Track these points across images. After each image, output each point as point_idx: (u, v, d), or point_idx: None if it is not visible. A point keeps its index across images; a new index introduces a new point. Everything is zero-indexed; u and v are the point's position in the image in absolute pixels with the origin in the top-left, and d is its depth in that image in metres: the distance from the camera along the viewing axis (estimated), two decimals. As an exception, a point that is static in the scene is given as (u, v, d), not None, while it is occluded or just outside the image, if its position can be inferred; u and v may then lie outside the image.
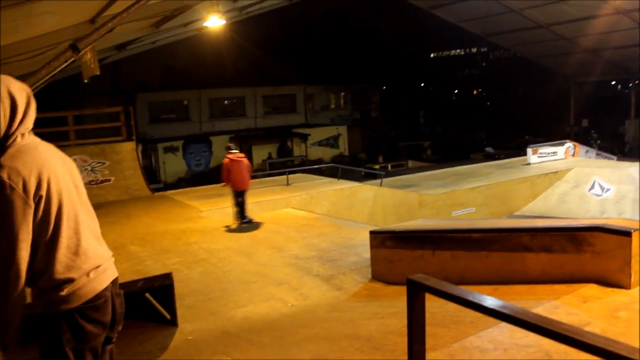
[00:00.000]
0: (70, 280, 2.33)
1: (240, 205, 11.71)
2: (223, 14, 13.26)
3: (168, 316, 6.03)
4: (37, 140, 2.40)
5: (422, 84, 56.15)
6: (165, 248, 9.63)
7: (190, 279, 7.65)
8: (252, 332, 5.52)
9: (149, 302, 6.40)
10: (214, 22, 13.00)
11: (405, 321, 4.47)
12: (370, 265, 7.21)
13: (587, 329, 4.01)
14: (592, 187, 20.03)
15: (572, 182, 20.31)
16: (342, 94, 44.88)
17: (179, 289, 6.27)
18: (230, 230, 11.12)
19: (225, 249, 9.39)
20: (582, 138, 32.78)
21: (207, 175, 32.40)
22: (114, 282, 2.56)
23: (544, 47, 35.81)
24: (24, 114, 2.35)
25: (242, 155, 12.33)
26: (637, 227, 4.65)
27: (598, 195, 19.75)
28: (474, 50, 60.95)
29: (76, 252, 2.35)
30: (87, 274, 2.38)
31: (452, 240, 5.96)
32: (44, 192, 2.24)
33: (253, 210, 13.78)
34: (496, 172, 21.78)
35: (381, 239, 6.96)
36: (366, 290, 6.79)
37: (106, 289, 2.46)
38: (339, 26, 45.82)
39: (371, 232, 7.16)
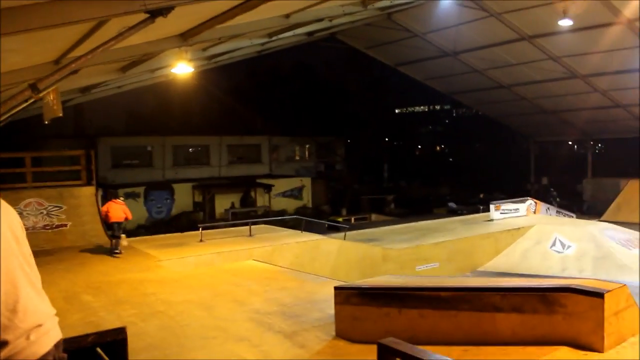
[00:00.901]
0: (4, 344, 2.00)
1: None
2: (191, 61, 13.19)
3: (119, 373, 5.67)
4: None
5: (387, 139, 56.88)
6: (120, 299, 9.21)
7: (146, 333, 7.26)
8: (209, 392, 5.20)
9: (99, 357, 6.03)
10: (182, 69, 12.90)
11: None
12: (335, 322, 6.97)
13: (562, 396, 3.88)
14: (554, 244, 20.24)
15: (534, 239, 20.51)
16: (307, 145, 45.09)
17: (133, 343, 5.87)
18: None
19: (184, 301, 9.02)
20: (542, 195, 33.31)
21: (168, 223, 31.79)
22: (58, 344, 2.22)
23: (505, 106, 36.82)
24: None
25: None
26: (610, 288, 4.57)
27: (559, 252, 19.94)
28: (438, 107, 62.42)
29: (14, 309, 2.04)
30: (27, 336, 2.06)
31: (419, 298, 5.79)
32: None
33: (214, 261, 13.50)
34: (460, 228, 21.86)
35: (346, 295, 6.75)
36: (330, 348, 6.52)
37: (48, 353, 2.12)
38: (306, 79, 46.42)
39: (336, 288, 6.95)
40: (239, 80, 43.73)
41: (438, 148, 62.83)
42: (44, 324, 2.14)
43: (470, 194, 42.45)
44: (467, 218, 25.61)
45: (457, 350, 5.10)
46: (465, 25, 26.27)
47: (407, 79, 37.73)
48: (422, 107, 64.02)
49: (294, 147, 44.23)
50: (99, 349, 5.92)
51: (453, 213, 33.02)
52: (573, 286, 4.72)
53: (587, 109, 32.75)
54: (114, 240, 14.14)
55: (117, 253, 13.66)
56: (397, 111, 60.09)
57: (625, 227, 22.38)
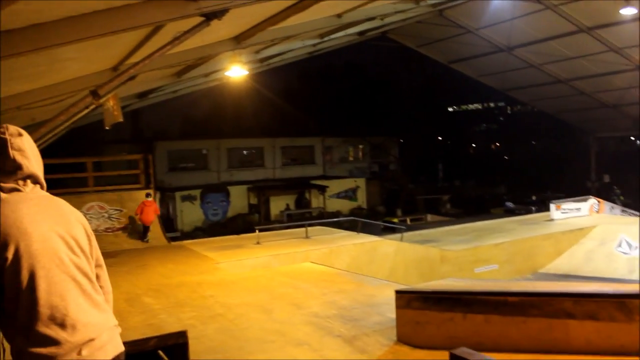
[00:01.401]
0: (53, 359, 1.93)
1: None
2: (244, 64, 13.25)
3: (181, 377, 5.67)
4: (27, 194, 2.11)
5: (440, 138, 56.13)
6: (180, 301, 9.29)
7: (206, 336, 7.27)
8: (271, 398, 5.13)
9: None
10: (236, 72, 12.96)
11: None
12: (396, 326, 6.80)
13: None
14: (620, 245, 19.45)
15: (598, 240, 19.74)
16: (361, 146, 44.88)
17: (193, 346, 5.87)
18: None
19: (242, 304, 9.02)
20: (604, 194, 32.16)
21: (224, 225, 32.17)
22: (116, 359, 2.12)
23: (563, 102, 35.71)
24: (10, 166, 2.10)
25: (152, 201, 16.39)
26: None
27: (626, 254, 19.16)
28: (492, 104, 61.13)
29: (63, 322, 1.95)
30: (78, 351, 1.96)
31: (485, 303, 5.57)
32: (10, 254, 1.93)
33: (271, 263, 13.53)
34: (519, 228, 21.29)
35: (407, 299, 6.57)
36: (392, 354, 6.36)
37: None
38: (358, 79, 46.23)
39: (397, 292, 6.77)
40: (291, 81, 43.92)
41: (493, 146, 61.55)
42: (97, 337, 2.04)
43: (528, 193, 41.40)
44: (526, 218, 24.94)
45: (525, 358, 4.88)
46: (520, 19, 25.61)
47: (460, 76, 37.14)
48: (475, 105, 62.83)
49: (347, 147, 44.10)
50: (160, 352, 5.97)
51: (510, 213, 32.26)
52: (655, 292, 4.43)
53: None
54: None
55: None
56: (450, 109, 59.20)
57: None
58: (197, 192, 33.88)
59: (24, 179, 2.12)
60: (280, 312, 8.46)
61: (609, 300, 4.59)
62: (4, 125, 2.19)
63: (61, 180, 19.19)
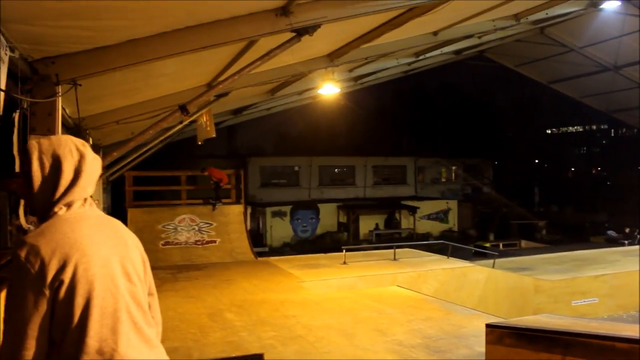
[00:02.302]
0: None
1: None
2: (338, 82, 13.16)
3: (257, 401, 5.52)
4: (86, 213, 1.94)
5: (537, 161, 53.99)
6: (261, 319, 9.19)
7: (284, 358, 7.10)
8: None
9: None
10: (329, 90, 12.90)
11: None
12: (486, 362, 6.35)
13: None
14: None
15: None
16: (454, 167, 43.90)
17: (271, 368, 5.75)
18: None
19: (324, 326, 8.80)
20: None
21: (312, 243, 32.26)
22: None
23: (676, 125, 33.42)
24: (73, 181, 1.93)
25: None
26: None
27: None
28: (594, 127, 58.35)
29: (111, 359, 1.77)
30: None
31: (588, 346, 5.04)
32: (67, 278, 1.76)
33: (356, 284, 13.27)
34: (623, 260, 19.91)
35: (499, 335, 6.11)
36: (480, 392, 5.94)
37: None
38: (453, 99, 45.39)
39: (488, 325, 6.31)
40: (385, 100, 43.77)
41: (594, 171, 58.56)
42: None
43: (632, 222, 38.90)
44: (631, 249, 23.32)
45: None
46: (628, 36, 24.15)
47: (561, 97, 35.53)
48: (576, 127, 60.14)
49: (439, 168, 43.24)
50: (237, 373, 5.87)
51: (613, 242, 30.37)
52: None
53: None
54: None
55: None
56: (548, 131, 56.89)
57: None
58: (287, 208, 34.20)
59: (85, 200, 1.99)
60: (362, 338, 8.17)
61: None
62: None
63: (157, 192, 19.89)
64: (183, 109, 6.35)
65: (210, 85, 9.49)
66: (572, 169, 58.49)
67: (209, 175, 17.14)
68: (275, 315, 9.48)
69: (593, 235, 36.43)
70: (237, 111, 17.77)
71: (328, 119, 35.69)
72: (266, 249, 28.72)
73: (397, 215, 36.93)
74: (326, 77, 12.35)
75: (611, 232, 35.66)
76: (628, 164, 51.39)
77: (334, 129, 39.06)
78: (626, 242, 29.47)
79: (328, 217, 35.31)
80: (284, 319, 9.22)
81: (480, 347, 6.86)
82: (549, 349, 5.36)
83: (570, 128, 59.94)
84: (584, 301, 16.62)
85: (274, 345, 7.66)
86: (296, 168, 37.75)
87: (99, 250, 1.85)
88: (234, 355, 6.08)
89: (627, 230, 32.03)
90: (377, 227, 35.40)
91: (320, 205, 35.33)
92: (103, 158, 9.95)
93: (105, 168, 13.51)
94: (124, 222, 1.88)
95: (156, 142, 12.61)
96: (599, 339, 4.94)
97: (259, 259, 17.02)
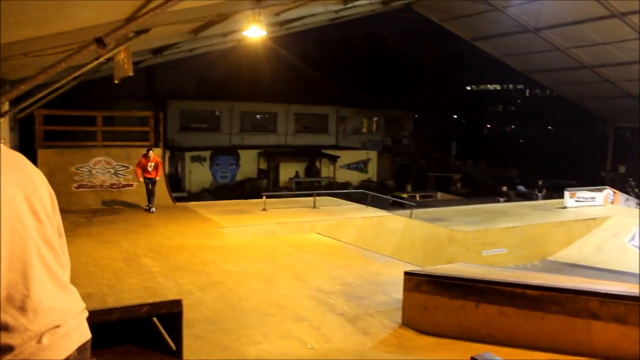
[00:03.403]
0: (9, 349, 1.51)
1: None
2: (264, 25, 12.77)
3: (173, 347, 5.40)
4: None
5: (456, 116, 55.33)
6: (180, 265, 9.01)
7: (203, 304, 6.99)
8: (266, 378, 4.85)
9: (155, 327, 5.79)
10: (254, 32, 12.49)
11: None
12: (402, 309, 6.49)
13: None
14: (633, 238, 19.04)
15: (611, 231, 19.35)
16: (375, 118, 44.33)
17: (189, 314, 5.59)
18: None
19: (243, 272, 8.74)
20: (619, 185, 31.52)
21: (232, 189, 31.98)
22: (82, 348, 1.70)
23: (585, 88, 34.94)
24: None
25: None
26: None
27: (638, 248, 18.74)
28: (511, 86, 60.19)
29: (22, 306, 1.54)
30: (39, 339, 1.55)
31: (501, 293, 5.23)
32: None
33: (276, 231, 13.23)
34: (531, 213, 20.90)
35: (417, 282, 6.25)
36: (396, 338, 6.06)
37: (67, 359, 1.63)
38: (377, 50, 45.46)
39: (406, 273, 6.45)
40: (310, 49, 43.27)
41: (508, 128, 60.75)
42: (63, 324, 1.64)
43: (540, 178, 40.86)
44: (539, 203, 24.57)
45: (542, 357, 4.56)
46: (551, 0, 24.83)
47: (482, 55, 36.31)
48: (494, 85, 61.87)
49: (361, 119, 43.57)
50: (156, 320, 5.70)
51: (522, 197, 31.84)
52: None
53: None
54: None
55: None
56: (468, 88, 58.25)
57: None
58: (207, 154, 33.62)
59: None
60: (282, 284, 8.18)
61: (641, 304, 4.23)
62: None
63: (70, 133, 18.97)
64: (99, 41, 5.92)
65: (129, 20, 8.93)
66: (488, 126, 60.44)
67: (147, 162, 14.52)
68: (193, 261, 9.32)
69: (504, 190, 37.91)
70: (158, 51, 17.00)
71: (252, 64, 34.95)
72: (184, 195, 28.21)
73: (317, 164, 37.11)
74: (252, 19, 11.95)
75: (521, 187, 37.30)
76: (539, 123, 53.63)
77: (258, 75, 38.35)
78: (538, 194, 30.92)
79: (248, 164, 35.03)
80: (202, 265, 9.08)
81: (398, 294, 7.01)
82: (464, 296, 5.52)
83: (489, 86, 61.58)
84: (494, 251, 17.39)
85: (192, 291, 7.54)
86: (217, 113, 37.03)
87: (3, 188, 1.62)
88: (151, 301, 5.89)
89: (540, 182, 33.64)
90: (297, 175, 35.49)
91: (240, 152, 34.96)
92: (9, 93, 9.28)
93: (12, 103, 12.70)
94: (34, 163, 1.64)
95: (69, 78, 11.86)
96: (512, 287, 5.12)
97: (177, 204, 16.68)
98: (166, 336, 5.64)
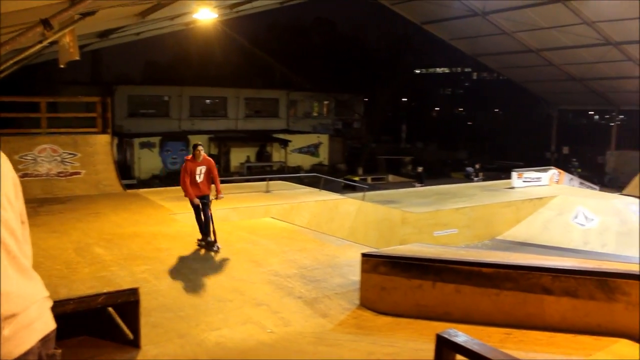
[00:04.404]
0: None
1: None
2: (214, 7, 12.57)
3: (131, 336, 5.32)
4: None
5: (406, 99, 55.91)
6: (133, 253, 8.85)
7: (159, 292, 6.89)
8: (226, 363, 4.83)
9: (110, 317, 5.68)
10: (205, 15, 12.30)
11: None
12: (360, 290, 6.56)
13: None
14: (577, 216, 19.69)
15: (557, 210, 19.96)
16: (326, 102, 44.38)
17: (145, 302, 5.56)
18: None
19: (199, 258, 8.65)
20: (563, 165, 32.54)
21: (183, 175, 31.53)
22: (46, 339, 1.66)
23: (531, 71, 35.83)
24: None
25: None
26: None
27: (582, 225, 19.43)
28: (459, 69, 61.12)
29: None
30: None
31: (457, 272, 5.33)
32: None
33: (229, 216, 13.09)
34: (480, 194, 21.35)
35: (374, 264, 6.31)
36: (354, 319, 6.12)
37: (30, 351, 1.58)
38: (328, 34, 45.44)
39: (363, 255, 6.50)
40: (260, 32, 42.97)
41: (457, 111, 61.79)
42: (23, 312, 1.58)
43: (489, 159, 41.80)
44: (487, 184, 25.08)
45: (498, 332, 4.67)
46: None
47: (431, 38, 36.74)
48: (443, 69, 62.77)
49: (312, 103, 43.56)
50: (110, 309, 5.59)
51: (470, 178, 32.49)
52: (641, 272, 4.23)
53: (617, 78, 31.76)
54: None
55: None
56: (417, 71, 58.90)
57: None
58: (156, 140, 33.06)
59: None
60: (238, 269, 8.14)
61: (590, 278, 4.38)
62: None
63: (12, 120, 18.31)
64: (46, 23, 5.71)
65: (74, 1, 8.64)
66: (437, 109, 61.30)
67: (195, 165, 9.25)
68: (147, 249, 9.16)
69: (454, 171, 38.66)
70: (104, 34, 16.55)
71: (200, 48, 34.48)
72: (134, 182, 27.71)
73: (268, 148, 36.97)
74: (201, 2, 11.76)
75: (469, 169, 38.00)
76: (487, 106, 54.72)
77: (207, 59, 37.85)
78: (475, 178, 31.53)
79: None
80: (156, 252, 8.94)
81: (354, 275, 7.07)
82: (421, 275, 5.60)
83: (438, 69, 62.39)
84: (445, 232, 17.70)
85: (148, 279, 7.41)
86: (166, 98, 36.43)
87: None
88: (105, 290, 5.79)
89: (477, 166, 34.32)
90: (248, 160, 35.31)
91: (190, 137, 34.47)
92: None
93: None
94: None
95: (11, 62, 11.44)
96: (468, 265, 5.22)
97: (128, 191, 16.35)
98: (123, 325, 5.58)
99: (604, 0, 22.94)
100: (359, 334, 5.59)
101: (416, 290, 5.68)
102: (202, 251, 9.15)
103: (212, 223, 9.20)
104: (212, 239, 9.08)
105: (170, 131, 34.70)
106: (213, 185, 9.59)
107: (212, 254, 8.93)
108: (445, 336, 2.50)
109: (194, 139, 33.91)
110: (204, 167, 9.31)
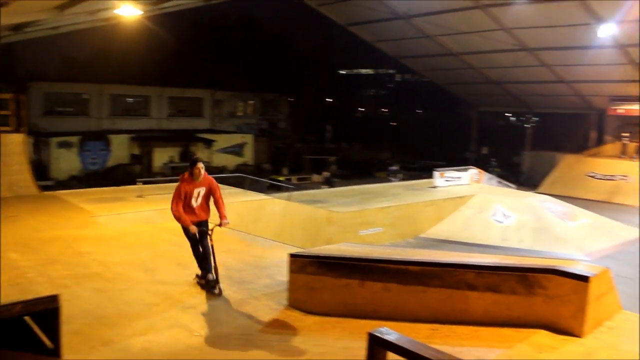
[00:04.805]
0: None
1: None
2: (136, 3, 12.26)
3: (51, 345, 5.09)
4: None
5: (331, 99, 56.36)
6: (52, 258, 8.48)
7: (80, 297, 6.65)
8: (153, 369, 4.71)
9: (27, 327, 5.42)
10: (126, 11, 11.97)
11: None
12: (288, 290, 6.55)
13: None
14: (495, 214, 20.44)
15: (476, 208, 20.67)
16: (251, 102, 44.12)
17: (65, 309, 5.27)
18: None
19: (122, 262, 8.40)
20: (482, 165, 33.73)
21: (103, 176, 30.55)
22: None
23: (452, 74, 36.96)
24: None
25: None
26: (594, 272, 4.30)
27: (500, 222, 20.19)
28: (383, 71, 62.17)
29: None
30: None
31: (384, 271, 5.42)
32: None
33: (154, 218, 12.76)
34: (404, 193, 21.82)
35: (302, 264, 6.32)
36: (283, 319, 6.11)
37: None
38: (254, 33, 45.16)
39: (291, 255, 6.50)
40: (184, 30, 42.14)
41: (381, 112, 62.82)
42: None
43: (411, 159, 42.76)
44: (411, 184, 25.63)
45: (425, 328, 4.78)
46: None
47: (356, 40, 37.21)
48: (367, 70, 63.66)
49: (237, 102, 43.18)
50: (28, 319, 5.31)
51: (394, 177, 33.12)
52: (557, 267, 4.44)
53: (531, 82, 33.29)
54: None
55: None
56: (342, 72, 59.50)
57: (562, 200, 22.89)
58: (75, 139, 31.81)
59: None
60: (163, 272, 7.97)
61: (512, 274, 4.56)
62: None
63: None
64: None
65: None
66: (362, 109, 62.13)
67: (193, 187, 7.43)
68: (67, 253, 8.81)
69: (377, 171, 39.28)
70: (18, 27, 15.81)
71: (123, 45, 33.38)
72: (51, 183, 26.58)
73: (192, 148, 36.37)
74: (123, -2, 11.44)
75: (393, 168, 38.74)
76: (410, 107, 55.99)
77: (128, 57, 36.71)
78: (392, 178, 32.19)
79: (120, 149, 33.58)
80: (77, 257, 8.61)
81: (282, 276, 7.06)
82: (349, 275, 5.66)
83: (362, 70, 63.22)
84: (370, 230, 17.97)
85: (68, 284, 7.14)
86: (85, 96, 35.11)
87: None
88: (23, 299, 5.51)
89: (396, 167, 35.08)
90: (171, 160, 34.60)
91: (111, 137, 33.44)
92: None
93: None
94: None
95: None
96: (395, 264, 5.32)
97: (45, 193, 15.68)
98: (41, 335, 5.31)
99: (520, 5, 23.90)
100: (288, 334, 5.58)
101: (344, 289, 5.73)
102: (126, 254, 8.88)
103: (214, 256, 7.20)
104: (213, 277, 7.05)
105: (90, 130, 33.50)
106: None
107: (137, 257, 8.70)
108: (377, 334, 2.53)
109: (115, 139, 33.03)
110: (203, 189, 7.43)
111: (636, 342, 4.51)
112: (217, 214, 7.54)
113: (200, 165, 7.36)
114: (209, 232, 7.43)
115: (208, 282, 7.07)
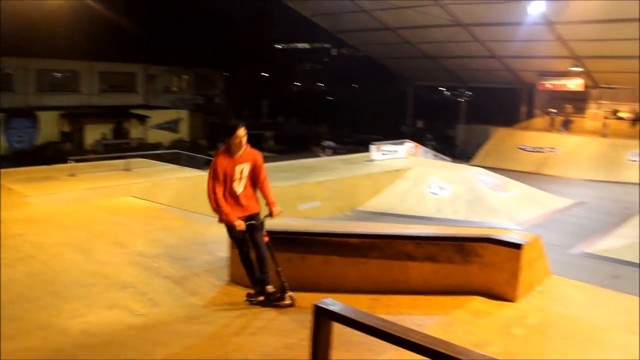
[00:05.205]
0: None
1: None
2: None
3: (-17, 331, 4.94)
4: None
5: (267, 74, 55.92)
6: (-20, 241, 8.17)
7: (13, 281, 6.43)
8: (94, 350, 4.63)
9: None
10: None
11: (284, 340, 3.89)
12: (229, 266, 6.54)
13: (488, 349, 3.77)
14: (430, 186, 20.92)
15: (413, 181, 21.09)
16: (186, 77, 43.30)
17: (-2, 294, 5.18)
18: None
19: (56, 243, 8.16)
20: (418, 138, 34.35)
21: (31, 154, 29.46)
22: None
23: (388, 49, 37.25)
24: None
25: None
26: (526, 239, 4.50)
27: (435, 194, 20.69)
28: (319, 45, 62.03)
29: None
30: None
31: (325, 244, 5.48)
32: None
33: (88, 197, 12.45)
34: (341, 167, 22.02)
35: (243, 239, 6.31)
36: (225, 295, 6.11)
37: None
38: (187, 6, 44.11)
39: (232, 231, 6.47)
40: (115, 2, 40.69)
41: (317, 86, 62.83)
42: None
43: (348, 133, 43.08)
44: (348, 157, 25.85)
45: (366, 299, 4.89)
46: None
47: (292, 13, 36.91)
48: (303, 44, 63.36)
49: (171, 77, 42.28)
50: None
51: (323, 153, 33.26)
52: (492, 236, 4.61)
53: (465, 57, 33.95)
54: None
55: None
56: (278, 46, 59.02)
57: (495, 172, 23.64)
58: (-1, 117, 30.50)
59: None
60: (100, 252, 7.80)
61: (449, 244, 4.71)
62: None
63: None
64: None
65: None
66: (298, 84, 61.96)
67: (235, 163, 5.67)
68: (-4, 235, 8.49)
69: (314, 145, 39.39)
70: None
71: (47, 17, 31.98)
72: (-25, 163, 25.45)
73: (125, 125, 35.47)
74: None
75: (330, 142, 38.84)
76: (346, 82, 56.21)
77: (55, 29, 35.11)
78: (322, 155, 32.26)
79: (49, 126, 32.39)
80: (8, 239, 8.31)
81: (221, 252, 7.05)
82: (290, 249, 5.70)
83: (298, 45, 62.87)
84: (309, 205, 18.09)
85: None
86: (9, 71, 33.56)
87: None
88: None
89: (325, 143, 35.10)
90: (104, 137, 33.68)
91: (39, 113, 32.19)
92: None
93: None
94: None
95: None
96: (336, 237, 5.38)
97: (-31, 173, 15.00)
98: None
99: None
100: (231, 309, 5.58)
101: (286, 263, 5.75)
102: (60, 235, 8.63)
103: (274, 258, 5.40)
104: (272, 288, 5.41)
105: (16, 107, 32.11)
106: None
107: (72, 237, 8.46)
108: (322, 305, 2.58)
109: (43, 116, 31.81)
110: (248, 165, 5.61)
111: (564, 304, 4.80)
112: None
113: (242, 131, 5.38)
114: (261, 226, 5.58)
115: (269, 296, 5.40)
